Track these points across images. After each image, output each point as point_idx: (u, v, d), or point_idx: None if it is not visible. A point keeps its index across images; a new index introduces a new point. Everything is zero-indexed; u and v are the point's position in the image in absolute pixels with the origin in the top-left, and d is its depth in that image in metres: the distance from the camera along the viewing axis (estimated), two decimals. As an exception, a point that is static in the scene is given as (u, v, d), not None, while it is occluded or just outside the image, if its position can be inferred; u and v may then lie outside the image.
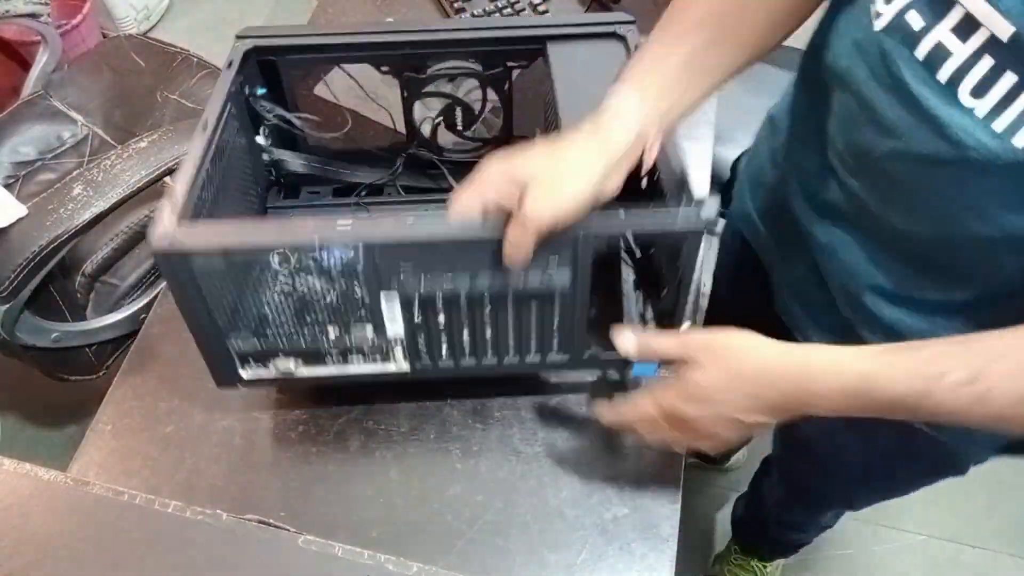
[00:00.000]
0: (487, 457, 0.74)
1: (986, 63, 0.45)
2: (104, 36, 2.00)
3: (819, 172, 0.65)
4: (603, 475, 0.73)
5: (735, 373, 0.54)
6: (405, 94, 0.81)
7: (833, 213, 0.64)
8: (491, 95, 0.82)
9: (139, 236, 1.24)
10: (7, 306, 1.00)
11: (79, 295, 1.19)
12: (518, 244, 0.53)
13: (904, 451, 0.77)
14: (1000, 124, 0.45)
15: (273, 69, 0.78)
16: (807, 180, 0.68)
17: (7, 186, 1.23)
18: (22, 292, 1.01)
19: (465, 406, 0.77)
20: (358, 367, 0.66)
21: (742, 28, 0.59)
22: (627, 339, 0.61)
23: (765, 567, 1.37)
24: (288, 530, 0.53)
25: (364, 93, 0.85)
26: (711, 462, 1.54)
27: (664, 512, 0.71)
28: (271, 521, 0.55)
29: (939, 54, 0.46)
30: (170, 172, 1.06)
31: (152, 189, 1.08)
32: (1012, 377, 0.45)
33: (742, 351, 0.55)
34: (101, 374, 1.22)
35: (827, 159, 0.63)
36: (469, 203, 0.55)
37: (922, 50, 0.47)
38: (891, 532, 1.47)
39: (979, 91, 0.45)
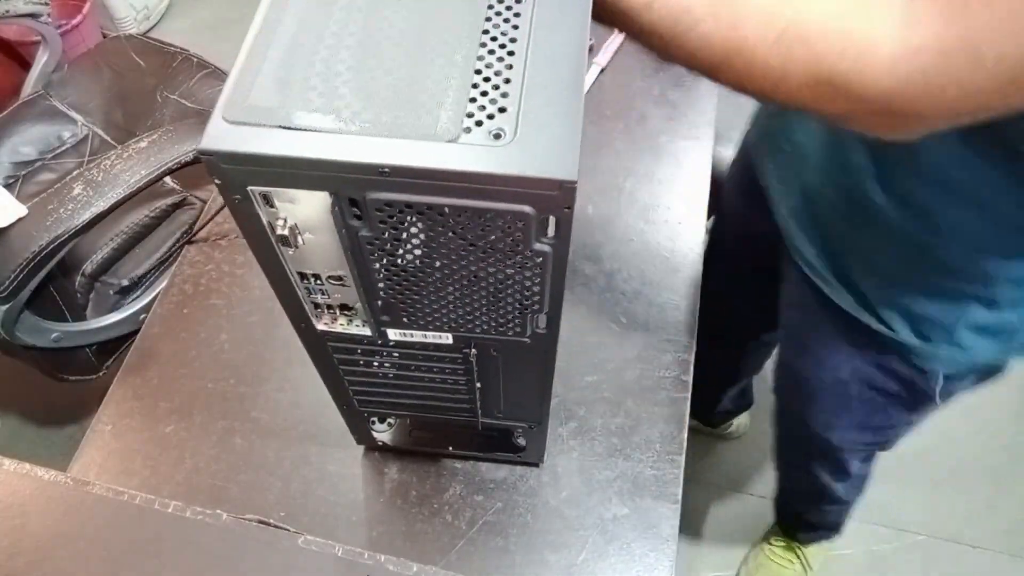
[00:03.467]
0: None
1: None
2: (104, 36, 2.00)
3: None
4: (603, 475, 0.73)
5: None
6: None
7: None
8: None
9: (139, 236, 1.24)
10: (7, 306, 1.00)
11: (79, 295, 1.19)
12: None
13: (878, 371, 0.77)
14: None
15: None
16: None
17: (7, 186, 1.23)
18: (22, 292, 1.01)
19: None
20: None
21: None
22: None
23: (805, 550, 1.36)
24: (288, 530, 0.53)
25: None
26: (710, 425, 1.49)
27: (664, 512, 0.71)
28: (271, 521, 0.55)
29: None
30: (170, 172, 1.06)
31: (152, 189, 1.08)
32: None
33: None
34: (101, 374, 1.22)
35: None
36: None
37: None
38: (891, 532, 1.47)
39: None
